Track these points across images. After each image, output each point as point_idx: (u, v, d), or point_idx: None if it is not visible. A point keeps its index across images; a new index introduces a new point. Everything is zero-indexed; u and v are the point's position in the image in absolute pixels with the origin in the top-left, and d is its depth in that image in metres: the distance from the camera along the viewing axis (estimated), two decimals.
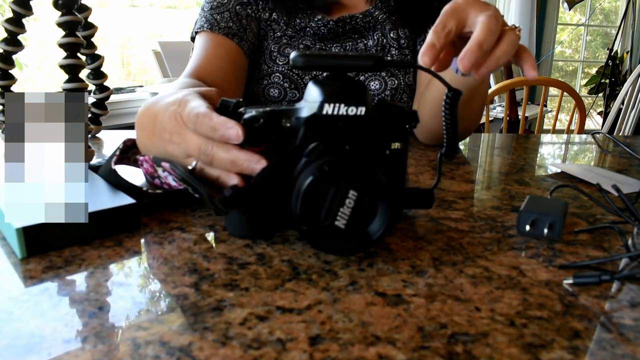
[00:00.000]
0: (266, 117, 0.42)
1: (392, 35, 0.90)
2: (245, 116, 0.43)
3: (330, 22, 0.87)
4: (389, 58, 0.89)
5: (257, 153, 0.43)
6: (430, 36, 0.47)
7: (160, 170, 0.47)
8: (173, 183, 0.47)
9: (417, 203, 0.47)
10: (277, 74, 0.87)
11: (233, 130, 0.41)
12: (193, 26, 0.88)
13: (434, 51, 0.46)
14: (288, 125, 0.42)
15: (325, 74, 0.43)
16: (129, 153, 0.56)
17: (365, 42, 0.90)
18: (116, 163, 0.53)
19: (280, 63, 0.87)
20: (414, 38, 0.92)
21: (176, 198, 0.52)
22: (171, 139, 0.46)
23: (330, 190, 0.38)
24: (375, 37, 0.90)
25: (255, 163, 0.42)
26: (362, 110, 0.41)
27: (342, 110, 0.41)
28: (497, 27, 0.47)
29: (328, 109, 0.41)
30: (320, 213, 0.39)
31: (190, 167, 0.46)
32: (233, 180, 0.43)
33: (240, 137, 0.41)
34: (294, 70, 0.86)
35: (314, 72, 0.86)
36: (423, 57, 0.46)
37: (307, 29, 0.88)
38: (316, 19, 0.87)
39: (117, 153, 0.53)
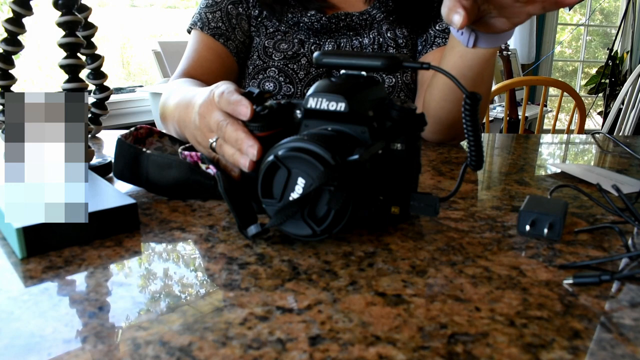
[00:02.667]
0: (277, 107, 0.47)
1: (388, 34, 0.90)
2: (257, 104, 0.46)
3: (323, 18, 0.88)
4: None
5: (265, 138, 0.46)
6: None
7: (203, 167, 0.51)
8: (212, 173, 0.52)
9: (420, 209, 0.47)
10: (273, 69, 0.88)
11: (244, 108, 0.46)
12: (191, 18, 0.92)
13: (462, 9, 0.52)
14: (299, 116, 0.46)
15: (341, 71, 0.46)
16: (145, 142, 0.58)
17: (361, 39, 0.90)
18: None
19: (276, 58, 0.88)
20: (413, 37, 0.92)
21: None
22: (203, 114, 0.52)
23: (282, 174, 0.41)
24: (371, 36, 0.90)
25: (249, 146, 0.45)
26: (342, 106, 0.43)
27: (324, 105, 0.43)
28: None
29: (312, 102, 0.44)
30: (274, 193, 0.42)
31: (211, 141, 0.50)
32: (243, 159, 0.46)
33: (247, 115, 0.46)
34: (288, 65, 0.88)
35: (308, 69, 0.88)
36: (453, 15, 0.52)
37: (301, 24, 0.89)
38: (309, 14, 0.88)
39: (130, 138, 0.57)
